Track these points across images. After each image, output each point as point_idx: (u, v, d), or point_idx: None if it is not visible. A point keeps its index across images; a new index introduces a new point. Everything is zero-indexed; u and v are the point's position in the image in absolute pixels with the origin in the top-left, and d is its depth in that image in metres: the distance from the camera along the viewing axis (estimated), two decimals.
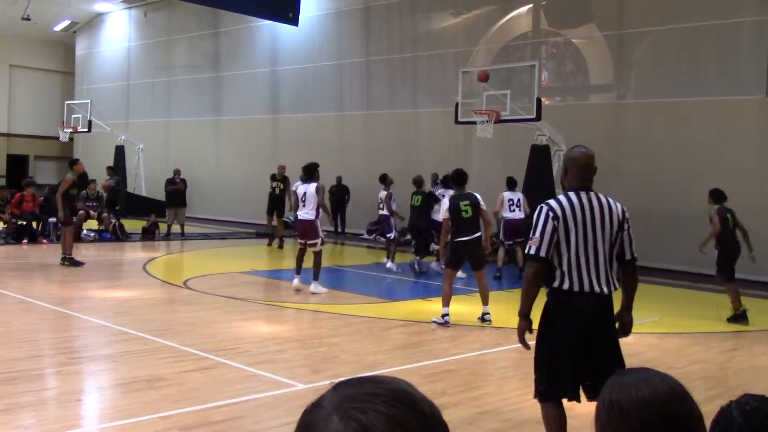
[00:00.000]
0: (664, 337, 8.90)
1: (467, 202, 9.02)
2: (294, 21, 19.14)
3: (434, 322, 8.91)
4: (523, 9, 19.04)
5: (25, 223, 16.66)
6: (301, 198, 11.25)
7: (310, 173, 11.50)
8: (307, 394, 5.91)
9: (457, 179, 9.41)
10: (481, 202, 9.17)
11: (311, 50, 23.15)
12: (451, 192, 10.72)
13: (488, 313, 9.21)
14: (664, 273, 14.54)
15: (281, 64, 24.11)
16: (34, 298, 9.84)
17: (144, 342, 7.58)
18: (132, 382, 6.11)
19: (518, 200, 13.68)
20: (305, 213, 11.19)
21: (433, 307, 10.52)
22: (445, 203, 9.23)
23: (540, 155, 15.96)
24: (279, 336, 8.28)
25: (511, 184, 13.80)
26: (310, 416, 0.94)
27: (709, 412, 1.67)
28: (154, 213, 19.31)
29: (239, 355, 7.14)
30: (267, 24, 23.57)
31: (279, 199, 17.99)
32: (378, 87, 21.67)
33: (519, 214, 13.57)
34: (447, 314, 8.90)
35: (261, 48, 24.86)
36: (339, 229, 21.10)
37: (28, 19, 25.96)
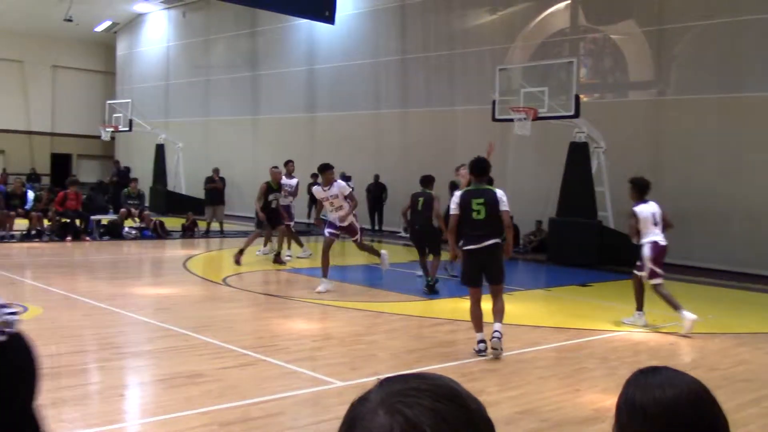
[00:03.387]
0: (709, 337, 8.75)
1: (482, 201, 7.20)
2: (330, 19, 19.21)
3: (475, 350, 7.33)
4: (561, 5, 18.86)
5: (68, 220, 16.98)
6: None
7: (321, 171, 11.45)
8: (346, 392, 5.93)
9: (474, 168, 7.42)
10: (503, 201, 7.30)
11: (348, 49, 23.22)
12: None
13: (499, 331, 7.23)
14: (708, 273, 14.31)
15: (318, 62, 24.21)
16: (78, 294, 10.03)
17: (184, 338, 7.68)
18: (173, 378, 6.19)
19: (659, 214, 9.15)
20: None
21: (469, 305, 10.47)
22: (456, 197, 7.39)
23: (578, 153, 15.80)
24: (317, 333, 8.33)
25: (643, 189, 9.10)
26: (356, 410, 0.95)
27: (753, 415, 1.64)
28: (191, 211, 19.54)
29: (278, 352, 7.19)
30: (304, 23, 23.70)
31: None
32: (414, 85, 21.65)
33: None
34: (482, 340, 7.31)
35: (298, 47, 25.00)
36: (376, 227, 21.13)
37: (71, 21, 26.45)
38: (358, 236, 11.61)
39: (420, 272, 11.90)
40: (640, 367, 1.57)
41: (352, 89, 23.11)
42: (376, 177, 21.20)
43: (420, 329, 8.75)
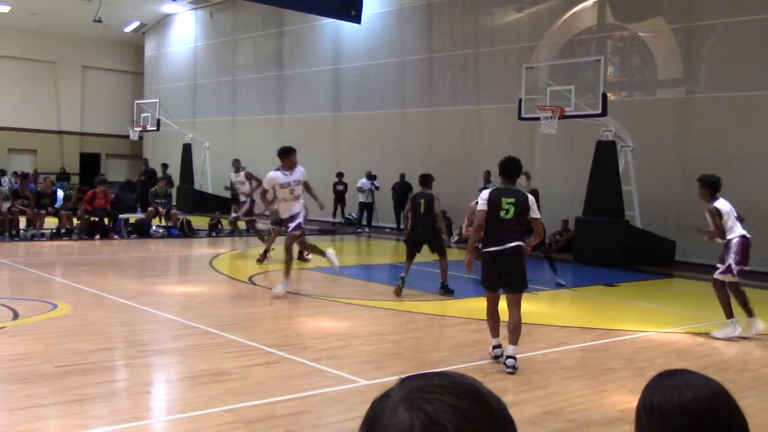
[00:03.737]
0: (736, 338, 8.63)
1: (512, 200, 6.79)
2: (357, 19, 19.25)
3: (491, 355, 7.09)
4: (588, 3, 18.72)
5: (97, 219, 17.19)
6: None
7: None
8: (370, 390, 5.94)
9: (505, 168, 7.09)
10: (534, 207, 6.95)
11: (373, 48, 23.24)
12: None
13: (513, 358, 6.67)
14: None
15: (344, 62, 24.26)
16: (106, 292, 10.15)
17: (210, 336, 7.74)
18: (199, 376, 6.24)
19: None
20: None
21: None
22: (485, 194, 6.96)
23: (606, 152, 15.68)
24: (342, 332, 8.35)
25: (716, 186, 8.73)
26: (378, 407, 0.96)
27: None
28: (217, 210, 19.69)
29: (303, 350, 7.22)
30: (330, 22, 23.75)
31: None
32: (440, 84, 21.61)
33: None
34: (498, 346, 7.03)
35: (324, 46, 25.07)
36: (400, 226, 21.13)
37: (100, 21, 26.76)
38: (298, 230, 10.47)
39: (403, 273, 10.86)
40: (662, 370, 1.56)
41: (378, 88, 23.13)
42: (402, 176, 21.18)
43: (444, 328, 8.74)
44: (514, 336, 6.76)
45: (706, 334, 8.59)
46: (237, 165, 16.81)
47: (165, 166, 23.60)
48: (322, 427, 5.26)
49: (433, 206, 10.86)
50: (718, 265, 8.52)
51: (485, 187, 8.59)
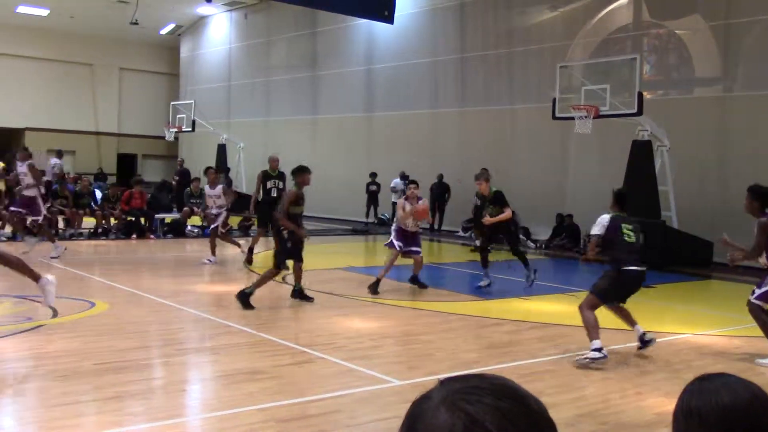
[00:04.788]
0: None
1: (631, 227, 7.42)
2: (389, 19, 19.26)
3: (588, 358, 6.98)
4: (624, 0, 18.51)
5: (133, 219, 17.43)
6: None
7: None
8: (403, 390, 5.95)
9: (620, 199, 7.65)
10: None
11: (406, 48, 23.23)
12: None
13: (645, 332, 7.53)
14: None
15: (377, 62, 24.29)
16: (142, 291, 10.28)
17: (245, 335, 7.81)
18: (233, 374, 6.29)
19: None
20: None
21: (529, 305, 10.40)
22: (603, 219, 7.43)
23: (641, 151, 15.48)
24: (374, 332, 8.36)
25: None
26: (418, 408, 0.96)
27: None
28: (247, 210, 19.80)
29: (336, 350, 7.24)
30: (363, 23, 23.80)
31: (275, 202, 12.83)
32: (473, 83, 21.53)
33: None
34: (601, 347, 7.01)
35: (357, 47, 25.12)
36: (436, 227, 21.10)
37: (136, 24, 27.12)
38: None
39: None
40: (701, 374, 1.54)
41: (411, 88, 23.12)
42: (440, 176, 21.09)
43: (478, 329, 8.70)
44: (631, 317, 7.59)
45: (745, 338, 8.43)
46: (213, 178, 14.55)
47: (227, 170, 23.66)
48: (355, 427, 5.27)
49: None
50: (755, 289, 7.53)
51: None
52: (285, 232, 9.56)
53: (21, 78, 30.81)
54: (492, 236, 11.71)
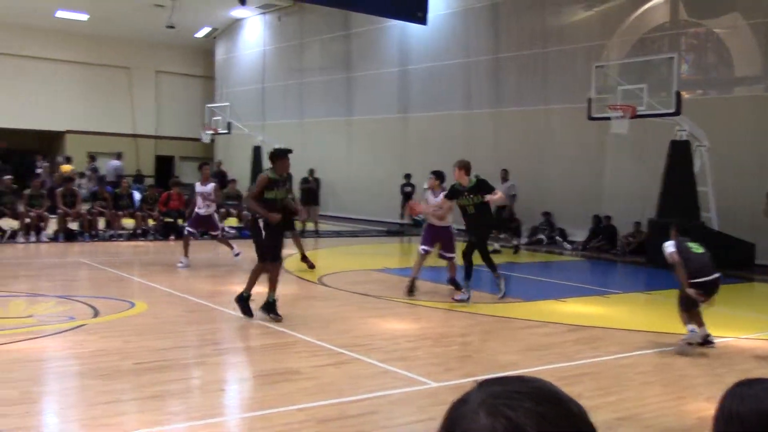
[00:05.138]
0: None
1: (697, 243, 8.01)
2: (423, 20, 19.23)
3: (685, 342, 7.71)
4: None
5: (171, 220, 17.64)
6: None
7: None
8: (440, 392, 5.93)
9: (681, 231, 8.24)
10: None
11: (439, 49, 23.19)
12: None
13: (709, 334, 7.86)
14: None
15: (410, 63, 24.28)
16: (180, 291, 10.39)
17: (281, 336, 7.85)
18: (270, 375, 6.33)
19: None
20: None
21: (566, 307, 10.30)
22: (668, 246, 7.87)
23: (680, 151, 15.26)
24: (411, 333, 8.35)
25: None
26: (457, 411, 0.95)
27: None
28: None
29: (372, 351, 7.25)
30: (396, 24, 23.80)
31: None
32: (507, 84, 21.41)
33: None
34: (693, 331, 7.70)
35: (390, 48, 25.14)
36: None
37: (172, 27, 27.45)
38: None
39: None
40: (742, 378, 1.51)
41: (444, 89, 23.06)
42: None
43: (515, 331, 8.64)
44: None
45: None
46: (207, 174, 14.10)
47: (312, 171, 23.71)
48: (393, 428, 5.27)
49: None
50: None
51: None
52: (261, 222, 8.64)
53: (61, 82, 31.36)
54: (476, 232, 10.49)
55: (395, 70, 24.79)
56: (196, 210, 13.65)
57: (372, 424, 5.24)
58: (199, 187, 13.64)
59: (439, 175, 11.42)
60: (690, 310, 7.75)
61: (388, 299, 10.47)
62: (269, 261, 8.69)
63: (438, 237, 10.89)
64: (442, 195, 10.76)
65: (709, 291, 7.73)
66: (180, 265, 12.92)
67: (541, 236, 19.08)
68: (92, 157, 26.28)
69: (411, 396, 5.94)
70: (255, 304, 8.67)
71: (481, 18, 22.17)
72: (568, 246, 18.30)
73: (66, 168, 23.61)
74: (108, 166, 26.41)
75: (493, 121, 21.65)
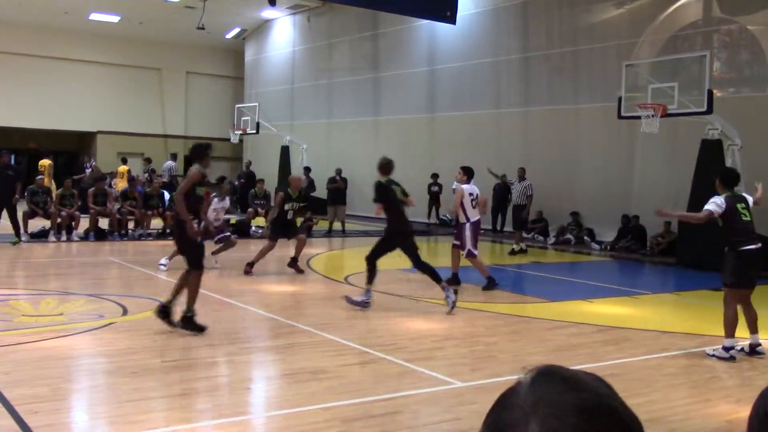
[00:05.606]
0: None
1: (744, 205, 7.50)
2: (452, 19, 19.19)
3: (713, 355, 7.34)
4: None
5: (200, 220, 17.76)
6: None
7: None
8: (465, 392, 5.92)
9: (726, 180, 7.75)
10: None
11: (468, 48, 23.12)
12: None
13: (760, 344, 7.43)
14: None
15: (439, 63, 24.24)
16: (208, 290, 10.46)
17: (308, 335, 7.89)
18: (296, 373, 6.37)
19: None
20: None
21: (593, 308, 10.22)
22: (717, 199, 7.51)
23: (711, 151, 15.05)
24: (436, 333, 8.34)
25: None
26: (506, 415, 0.88)
27: None
28: (310, 211, 20.02)
29: (398, 350, 7.26)
30: (425, 24, 23.77)
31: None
32: (536, 83, 21.28)
33: None
34: (732, 347, 7.27)
35: (419, 48, 25.12)
36: (498, 228, 20.92)
37: (203, 29, 27.69)
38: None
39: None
40: None
41: (473, 89, 22.98)
42: (503, 177, 20.93)
43: (542, 332, 8.59)
44: (756, 325, 7.42)
45: None
46: (226, 190, 14.29)
47: (308, 170, 23.90)
48: (418, 428, 5.28)
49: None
50: None
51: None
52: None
53: (93, 83, 31.81)
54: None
55: (423, 70, 24.76)
56: (209, 222, 12.76)
57: (397, 424, 5.25)
58: (216, 203, 13.34)
59: (466, 171, 11.49)
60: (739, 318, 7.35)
61: (413, 299, 10.47)
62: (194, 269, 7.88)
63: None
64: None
65: (751, 263, 7.33)
66: (215, 265, 12.85)
67: (569, 236, 18.94)
68: (148, 160, 26.65)
69: (436, 396, 5.94)
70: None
71: (510, 17, 22.07)
72: (596, 246, 18.15)
73: (123, 168, 24.01)
74: (164, 166, 26.87)
75: (522, 121, 21.54)
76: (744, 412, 4.27)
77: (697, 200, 15.07)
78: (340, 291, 11.21)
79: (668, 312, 10.65)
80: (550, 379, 0.90)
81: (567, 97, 20.34)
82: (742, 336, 7.48)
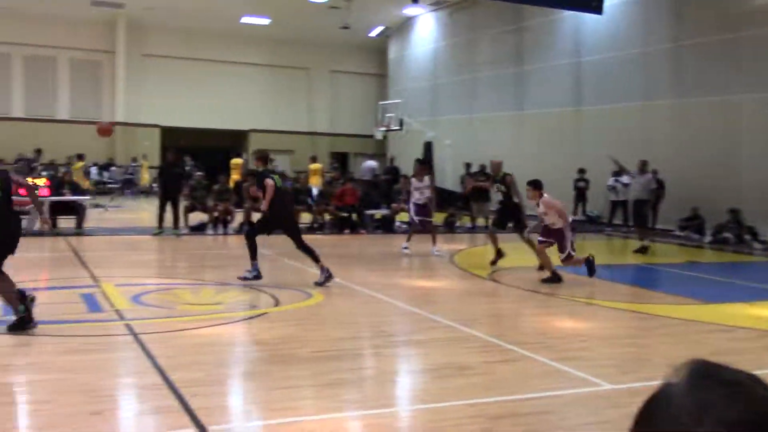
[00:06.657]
0: None
1: None
2: (598, 9, 18.60)
3: None
4: None
5: (346, 214, 18.24)
6: None
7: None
8: (615, 395, 5.71)
9: None
10: None
11: (615, 39, 22.28)
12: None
13: None
14: None
15: (585, 54, 23.53)
16: (354, 283, 10.72)
17: (452, 330, 7.88)
18: (441, 368, 6.37)
19: None
20: None
21: (758, 312, 9.58)
22: None
23: None
24: (584, 333, 8.11)
25: None
26: (660, 426, 0.80)
27: None
28: (452, 207, 20.08)
29: (544, 349, 7.10)
30: (570, 15, 23.16)
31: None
32: (689, 73, 20.16)
33: None
34: None
35: (564, 40, 24.49)
36: (649, 225, 20.02)
37: (347, 28, 28.33)
38: None
39: None
40: None
41: (621, 81, 22.13)
42: (654, 172, 20.06)
43: (699, 335, 8.15)
44: None
45: None
46: (420, 169, 15.20)
47: (468, 165, 24.08)
48: (566, 429, 5.14)
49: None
50: None
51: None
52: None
53: (245, 83, 33.35)
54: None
55: (569, 62, 24.12)
56: (414, 201, 14.58)
57: (545, 424, 5.15)
58: (415, 183, 14.64)
59: (536, 185, 11.91)
60: None
61: (559, 297, 10.23)
62: None
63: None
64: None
65: None
66: (405, 249, 13.94)
67: (728, 235, 17.86)
68: (335, 158, 27.65)
69: (584, 397, 5.77)
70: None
71: (660, 4, 21.07)
72: (759, 245, 17.01)
73: (237, 161, 25.04)
74: (363, 166, 27.64)
75: (673, 113, 20.52)
76: None
77: None
78: (484, 288, 11.14)
79: None
80: (710, 384, 0.80)
81: (724, 88, 19.14)
82: None
